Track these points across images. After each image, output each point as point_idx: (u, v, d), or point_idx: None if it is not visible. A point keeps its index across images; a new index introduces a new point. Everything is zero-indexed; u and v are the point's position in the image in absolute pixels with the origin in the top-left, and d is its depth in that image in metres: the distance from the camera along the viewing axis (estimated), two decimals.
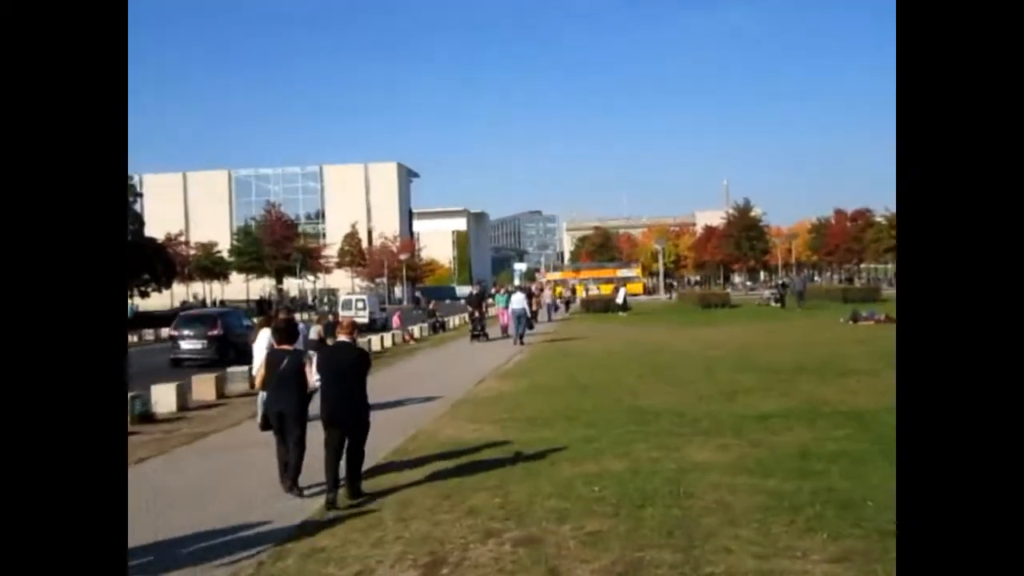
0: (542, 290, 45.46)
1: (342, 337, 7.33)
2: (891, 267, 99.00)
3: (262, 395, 9.19)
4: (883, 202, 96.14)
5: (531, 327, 26.40)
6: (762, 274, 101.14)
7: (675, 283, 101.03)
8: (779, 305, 42.50)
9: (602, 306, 43.46)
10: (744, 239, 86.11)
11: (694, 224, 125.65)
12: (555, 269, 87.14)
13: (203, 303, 78.16)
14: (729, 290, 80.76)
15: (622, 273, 71.38)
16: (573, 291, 55.38)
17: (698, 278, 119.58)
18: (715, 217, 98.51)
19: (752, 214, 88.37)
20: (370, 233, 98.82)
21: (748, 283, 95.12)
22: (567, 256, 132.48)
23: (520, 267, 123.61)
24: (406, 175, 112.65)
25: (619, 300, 43.20)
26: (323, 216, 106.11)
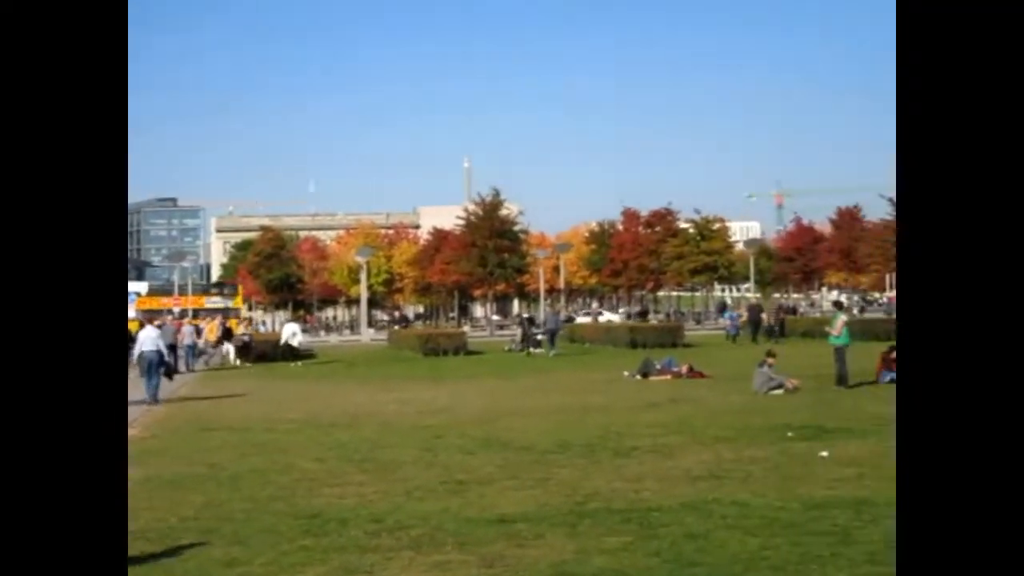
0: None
1: None
2: (699, 295, 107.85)
3: None
4: (692, 199, 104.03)
5: (170, 377, 27.43)
6: (516, 304, 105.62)
7: (395, 314, 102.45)
8: (522, 350, 44.82)
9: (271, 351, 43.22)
10: (491, 251, 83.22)
11: (417, 226, 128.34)
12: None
13: None
14: (467, 327, 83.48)
15: (211, 303, 72.29)
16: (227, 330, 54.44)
17: (420, 309, 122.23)
18: (449, 216, 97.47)
19: (503, 212, 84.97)
20: None
21: (495, 317, 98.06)
22: (216, 270, 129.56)
23: (138, 288, 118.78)
24: None
25: (283, 341, 43.23)
26: None
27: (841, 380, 24.18)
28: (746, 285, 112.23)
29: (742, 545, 9.00)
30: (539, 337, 47.81)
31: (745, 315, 52.60)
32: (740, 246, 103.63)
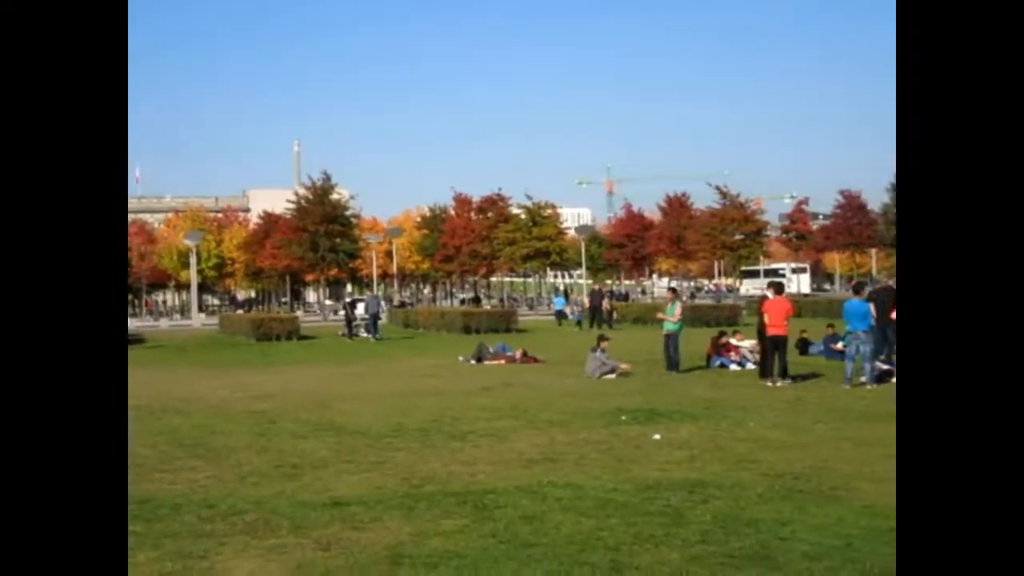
0: None
1: None
2: (531, 281, 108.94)
3: None
4: (523, 185, 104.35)
5: None
6: (349, 288, 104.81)
7: (231, 298, 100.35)
8: (347, 336, 44.76)
9: None
10: (322, 236, 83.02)
11: (247, 210, 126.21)
12: None
13: None
14: (300, 313, 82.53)
15: None
16: None
17: (252, 294, 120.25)
18: (279, 199, 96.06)
19: (334, 197, 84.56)
20: None
21: (328, 302, 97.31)
22: None
23: None
24: None
25: None
26: None
27: (672, 365, 24.70)
28: (578, 271, 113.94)
29: (577, 526, 9.12)
30: (357, 322, 47.64)
31: (587, 301, 53.23)
32: (571, 232, 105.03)
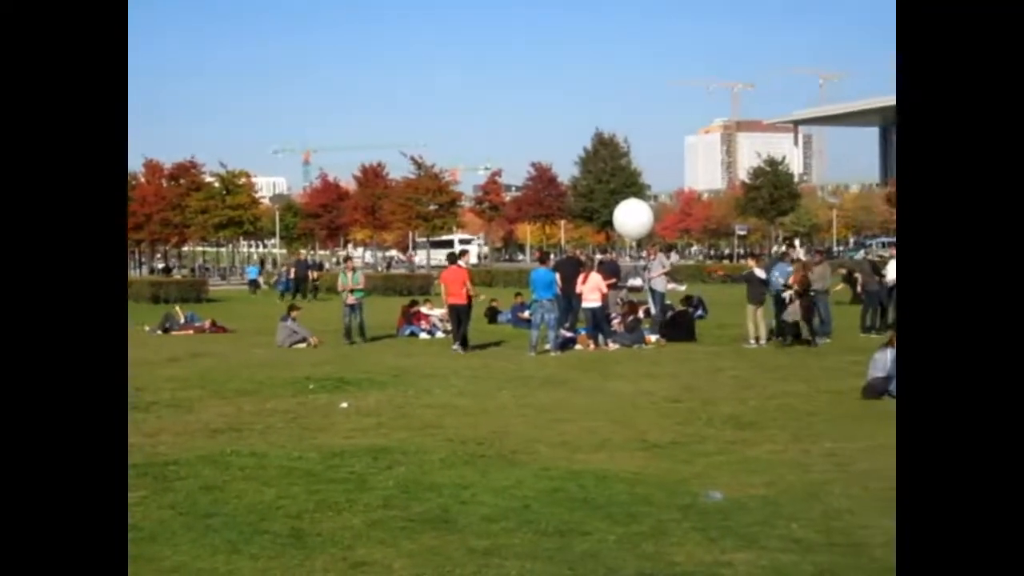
0: None
1: None
2: (225, 251, 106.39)
3: None
4: (217, 154, 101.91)
5: None
6: None
7: None
8: None
9: None
10: None
11: None
12: None
13: None
14: None
15: None
16: None
17: None
18: None
19: None
20: None
21: None
22: None
23: None
24: None
25: None
26: None
27: (349, 333, 24.35)
28: (272, 241, 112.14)
29: (259, 495, 9.02)
30: None
31: (294, 271, 52.17)
32: (266, 201, 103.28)
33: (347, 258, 34.18)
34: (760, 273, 22.84)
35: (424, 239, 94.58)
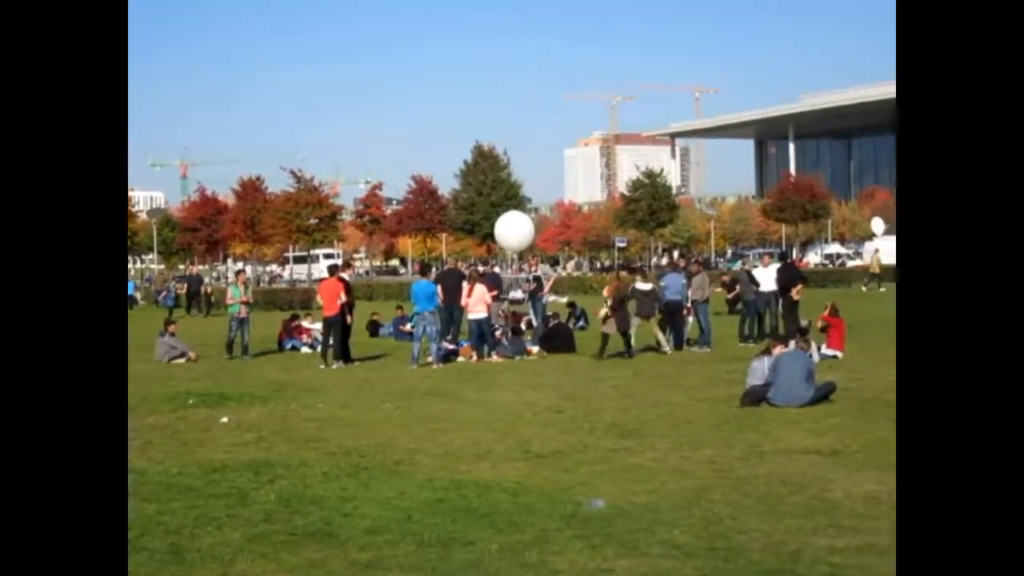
0: None
1: None
2: None
3: None
4: None
5: None
6: None
7: None
8: None
9: None
10: None
11: None
12: None
13: None
14: None
15: None
16: None
17: None
18: None
19: None
20: None
21: None
22: None
23: None
24: None
25: None
26: None
27: (231, 347, 23.96)
28: (150, 256, 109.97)
29: (137, 512, 8.81)
30: None
31: (187, 286, 50.95)
32: (143, 216, 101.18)
33: (239, 271, 33.63)
34: (643, 286, 23.08)
35: (304, 252, 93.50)
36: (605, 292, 21.94)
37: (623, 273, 28.14)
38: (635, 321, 22.63)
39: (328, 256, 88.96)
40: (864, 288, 52.02)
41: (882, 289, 51.11)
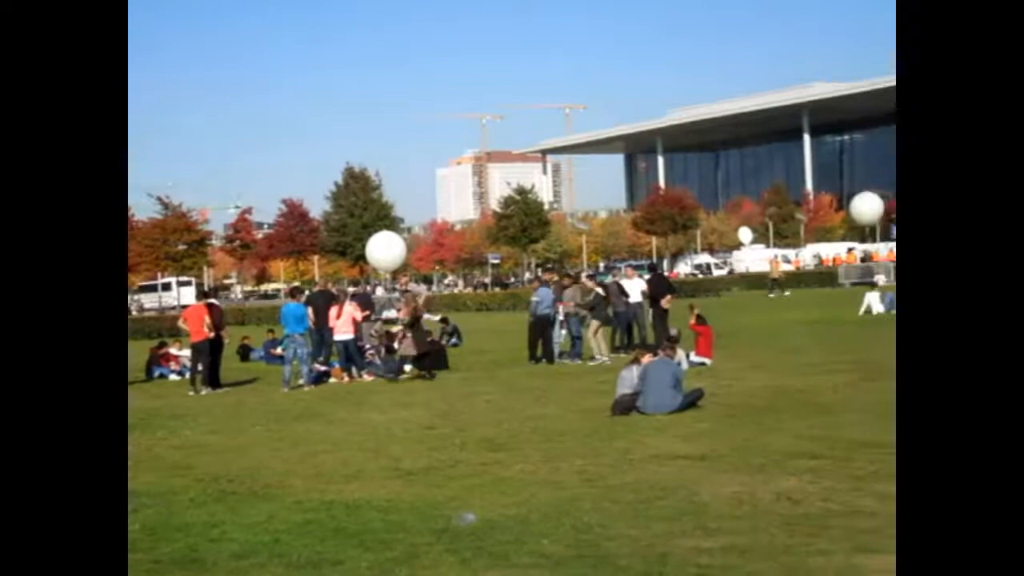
0: None
1: None
2: None
3: None
4: None
5: None
6: None
7: None
8: None
9: None
10: None
11: None
12: None
13: None
14: None
15: None
16: None
17: None
18: None
19: None
20: None
21: None
22: None
23: None
24: None
25: None
26: None
27: None
28: None
29: None
30: None
31: None
32: None
33: None
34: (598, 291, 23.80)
35: (173, 279, 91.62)
36: (401, 313, 21.88)
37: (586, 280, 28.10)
38: (594, 324, 23.02)
39: (184, 284, 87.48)
40: (770, 295, 51.92)
41: (787, 294, 51.98)
